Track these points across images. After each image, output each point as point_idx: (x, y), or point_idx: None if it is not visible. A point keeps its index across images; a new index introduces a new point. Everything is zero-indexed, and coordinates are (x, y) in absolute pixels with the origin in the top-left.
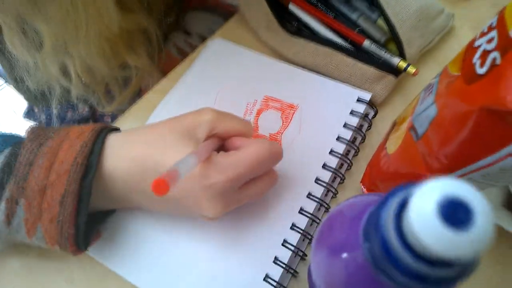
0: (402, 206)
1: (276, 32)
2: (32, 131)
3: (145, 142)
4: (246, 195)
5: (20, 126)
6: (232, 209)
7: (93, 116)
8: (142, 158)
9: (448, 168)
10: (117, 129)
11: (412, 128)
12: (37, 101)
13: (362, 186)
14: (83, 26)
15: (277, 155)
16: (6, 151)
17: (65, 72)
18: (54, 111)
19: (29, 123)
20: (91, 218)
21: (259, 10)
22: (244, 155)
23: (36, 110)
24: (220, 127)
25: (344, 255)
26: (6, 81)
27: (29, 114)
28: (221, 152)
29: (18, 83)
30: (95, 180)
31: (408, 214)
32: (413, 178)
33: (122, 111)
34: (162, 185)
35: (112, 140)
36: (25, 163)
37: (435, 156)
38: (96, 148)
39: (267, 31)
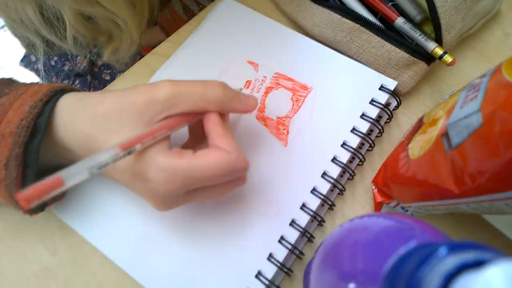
0: (449, 279)
1: (299, 0)
2: None
3: (91, 118)
4: (197, 198)
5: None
6: (179, 207)
7: (91, 70)
8: (86, 139)
9: (482, 189)
10: (78, 91)
11: (445, 135)
12: (31, 48)
13: (373, 186)
14: None
15: (238, 173)
16: None
17: (49, 23)
18: (32, 58)
19: (24, 70)
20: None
21: None
22: (196, 166)
23: (33, 58)
24: (180, 104)
25: (353, 285)
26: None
27: (25, 60)
28: (173, 150)
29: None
30: (46, 142)
31: None
32: (435, 190)
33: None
34: (22, 202)
35: (64, 106)
36: None
37: (468, 172)
38: (46, 110)
39: None
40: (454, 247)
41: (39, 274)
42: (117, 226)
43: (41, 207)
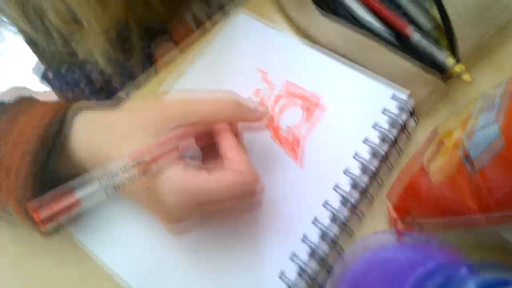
0: None
1: (307, 9)
2: (13, 101)
3: (107, 127)
4: (209, 215)
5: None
6: (192, 230)
7: (107, 87)
8: (98, 148)
9: (504, 208)
10: (93, 107)
11: (461, 147)
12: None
13: (387, 200)
14: None
15: (252, 194)
16: None
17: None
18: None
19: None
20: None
21: None
22: (209, 186)
23: (50, 75)
24: (192, 117)
25: None
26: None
27: (44, 77)
28: (189, 168)
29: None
30: (60, 158)
31: None
32: (454, 207)
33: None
34: (36, 219)
35: (81, 122)
36: None
37: (492, 194)
38: (65, 125)
39: (297, 9)
40: (475, 267)
41: None
42: (130, 246)
43: (56, 228)
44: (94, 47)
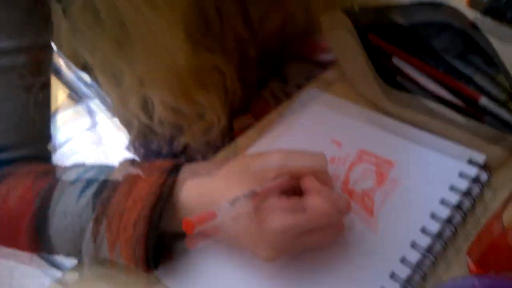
0: None
1: (375, 84)
2: (121, 163)
3: (213, 177)
4: (304, 243)
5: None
6: (287, 253)
7: (186, 153)
8: (207, 192)
9: None
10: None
11: None
12: (138, 135)
13: (467, 258)
14: (153, 63)
15: (342, 210)
16: (101, 179)
17: (146, 107)
18: (136, 144)
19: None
20: (162, 240)
21: (358, 62)
22: (306, 205)
23: (136, 144)
24: (288, 166)
25: None
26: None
27: (129, 146)
28: (283, 196)
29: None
30: (167, 208)
31: None
32: None
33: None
34: (189, 225)
35: (185, 174)
36: (111, 188)
37: None
38: (170, 179)
39: (366, 83)
40: None
41: None
42: None
43: (155, 265)
44: (197, 132)
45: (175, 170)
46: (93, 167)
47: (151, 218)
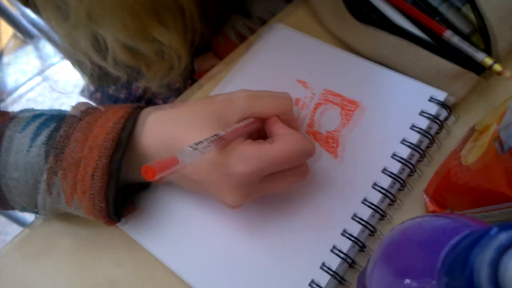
0: (501, 253)
1: (342, 18)
2: (75, 107)
3: (174, 120)
4: (269, 187)
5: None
6: (253, 198)
7: (145, 96)
8: (169, 136)
9: None
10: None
11: (497, 139)
12: (93, 79)
13: (425, 196)
14: None
15: (308, 152)
16: (52, 126)
17: (98, 46)
18: (91, 88)
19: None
20: (125, 190)
21: None
22: (270, 149)
23: (92, 88)
24: (254, 107)
25: (410, 281)
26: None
27: (84, 91)
28: (248, 140)
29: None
30: (127, 155)
31: None
32: (489, 195)
33: (175, 92)
34: (149, 171)
35: (145, 118)
36: (64, 136)
37: None
38: (128, 125)
39: (332, 16)
40: (505, 227)
41: (103, 285)
42: (180, 238)
43: (118, 217)
44: (156, 74)
45: (134, 114)
46: (43, 112)
47: (110, 166)
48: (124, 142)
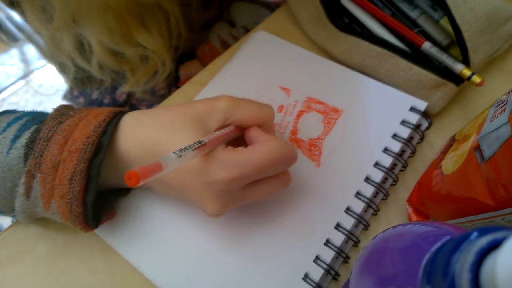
0: (482, 257)
1: (324, 27)
2: (57, 109)
3: (156, 125)
4: (251, 195)
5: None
6: (234, 207)
7: (129, 102)
8: (150, 142)
9: None
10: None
11: (477, 148)
12: (76, 82)
13: (407, 206)
14: None
15: (290, 159)
16: (33, 128)
17: (82, 49)
18: (74, 92)
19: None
20: (104, 196)
21: (307, 2)
22: (252, 155)
23: (75, 92)
24: (235, 115)
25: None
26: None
27: (68, 95)
28: (229, 147)
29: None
30: (107, 160)
31: (494, 272)
32: (471, 205)
33: (159, 98)
34: (132, 177)
35: (126, 122)
36: (44, 139)
37: (502, 183)
38: (109, 129)
39: (315, 26)
40: (485, 231)
41: None
42: (158, 246)
43: (96, 223)
44: (140, 79)
45: (116, 118)
46: (24, 114)
47: (89, 171)
48: (104, 147)
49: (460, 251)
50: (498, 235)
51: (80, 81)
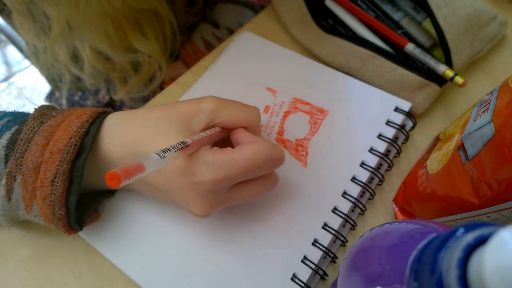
0: (469, 253)
1: (309, 29)
2: (38, 110)
3: (140, 125)
4: (238, 196)
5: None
6: (221, 208)
7: (113, 104)
8: (134, 143)
9: (500, 197)
10: None
11: (461, 147)
12: (57, 84)
13: (393, 205)
14: (82, 2)
15: (277, 160)
16: (13, 129)
17: (75, 58)
18: (56, 94)
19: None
20: (87, 198)
21: (292, 3)
22: (238, 156)
23: (57, 94)
24: (221, 116)
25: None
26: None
27: (50, 97)
28: (215, 148)
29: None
30: (90, 162)
31: (481, 267)
32: (456, 203)
33: (143, 101)
34: (114, 178)
35: (109, 123)
36: (25, 140)
37: (486, 181)
38: (92, 129)
39: (300, 27)
40: (470, 227)
41: None
42: (143, 248)
43: (79, 226)
44: (135, 86)
45: (99, 119)
46: (5, 114)
47: (71, 172)
48: (87, 148)
49: (446, 248)
50: (484, 231)
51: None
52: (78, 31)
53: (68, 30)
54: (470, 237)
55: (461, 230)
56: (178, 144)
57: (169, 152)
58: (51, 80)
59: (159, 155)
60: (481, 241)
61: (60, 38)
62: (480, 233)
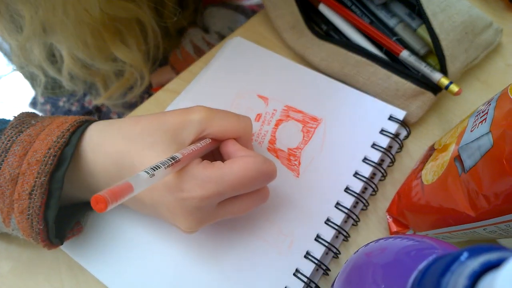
0: (475, 279)
1: (302, 34)
2: (18, 118)
3: (125, 137)
4: (227, 212)
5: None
6: (209, 224)
7: (99, 109)
8: (119, 155)
9: (498, 210)
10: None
11: (457, 158)
12: (47, 92)
13: (387, 216)
14: (59, 8)
15: (268, 176)
16: None
17: (53, 58)
18: (40, 99)
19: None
20: (69, 210)
21: (285, 8)
22: (229, 171)
23: (41, 100)
24: (211, 127)
25: None
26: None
27: (34, 103)
28: (205, 162)
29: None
30: (72, 173)
31: None
32: (451, 215)
33: (129, 108)
34: (99, 202)
35: (92, 133)
36: (2, 150)
37: (483, 193)
38: (73, 139)
39: (293, 33)
40: (475, 251)
41: None
42: (128, 262)
43: (60, 240)
44: (115, 93)
45: (81, 128)
46: None
47: (50, 185)
48: (67, 159)
49: (450, 273)
50: (491, 256)
51: (50, 90)
52: (53, 36)
53: (42, 31)
54: (476, 264)
55: (465, 254)
56: (168, 159)
57: (159, 169)
58: (30, 80)
59: (148, 173)
60: (488, 267)
61: (32, 38)
62: (487, 259)
